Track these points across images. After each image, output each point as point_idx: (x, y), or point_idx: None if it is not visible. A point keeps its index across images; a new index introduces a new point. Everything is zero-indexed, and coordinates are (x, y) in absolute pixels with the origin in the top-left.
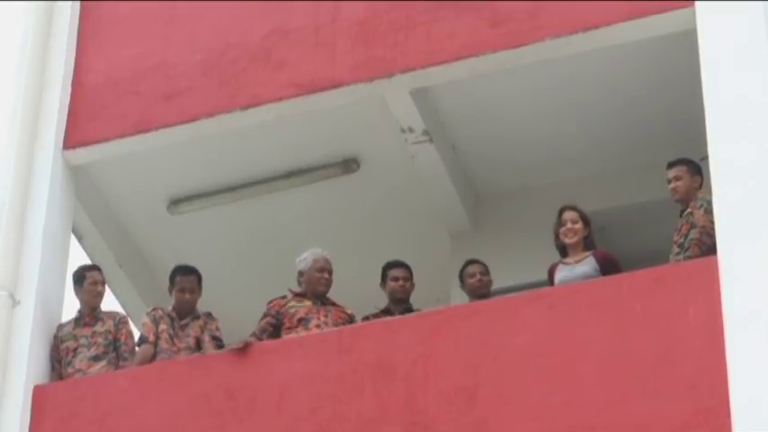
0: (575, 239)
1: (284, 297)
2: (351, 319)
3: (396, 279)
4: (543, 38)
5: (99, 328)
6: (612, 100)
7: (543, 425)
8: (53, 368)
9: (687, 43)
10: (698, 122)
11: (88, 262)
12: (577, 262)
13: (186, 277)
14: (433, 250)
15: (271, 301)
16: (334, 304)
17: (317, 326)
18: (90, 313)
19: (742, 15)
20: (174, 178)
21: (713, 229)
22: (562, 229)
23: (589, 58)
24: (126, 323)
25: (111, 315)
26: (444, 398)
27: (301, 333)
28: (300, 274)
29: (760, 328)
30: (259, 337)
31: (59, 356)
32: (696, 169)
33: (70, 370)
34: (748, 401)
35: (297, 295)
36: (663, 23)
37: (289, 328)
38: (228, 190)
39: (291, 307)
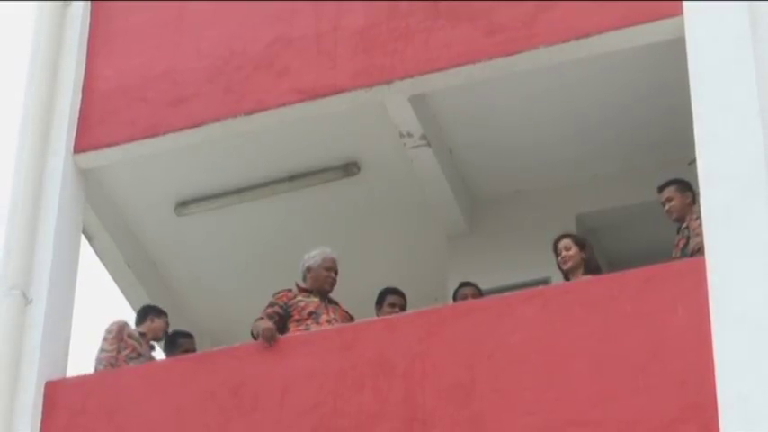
0: (569, 265)
1: (290, 290)
2: (351, 320)
3: (393, 306)
4: (537, 45)
5: None
6: (604, 105)
7: (537, 420)
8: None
9: (677, 51)
10: (687, 127)
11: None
12: None
13: None
14: (431, 251)
15: (278, 293)
16: (336, 303)
17: (328, 321)
18: None
19: (728, 24)
20: (180, 181)
21: None
22: (559, 259)
23: (582, 65)
24: None
25: None
26: (442, 394)
27: (312, 326)
28: (308, 270)
29: (746, 326)
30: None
31: None
32: (685, 186)
33: None
34: (735, 398)
35: (303, 290)
36: (652, 32)
37: (298, 320)
38: (234, 192)
39: (300, 300)
